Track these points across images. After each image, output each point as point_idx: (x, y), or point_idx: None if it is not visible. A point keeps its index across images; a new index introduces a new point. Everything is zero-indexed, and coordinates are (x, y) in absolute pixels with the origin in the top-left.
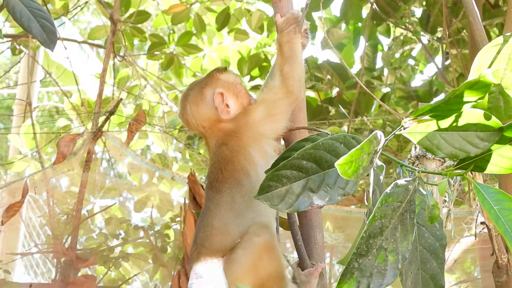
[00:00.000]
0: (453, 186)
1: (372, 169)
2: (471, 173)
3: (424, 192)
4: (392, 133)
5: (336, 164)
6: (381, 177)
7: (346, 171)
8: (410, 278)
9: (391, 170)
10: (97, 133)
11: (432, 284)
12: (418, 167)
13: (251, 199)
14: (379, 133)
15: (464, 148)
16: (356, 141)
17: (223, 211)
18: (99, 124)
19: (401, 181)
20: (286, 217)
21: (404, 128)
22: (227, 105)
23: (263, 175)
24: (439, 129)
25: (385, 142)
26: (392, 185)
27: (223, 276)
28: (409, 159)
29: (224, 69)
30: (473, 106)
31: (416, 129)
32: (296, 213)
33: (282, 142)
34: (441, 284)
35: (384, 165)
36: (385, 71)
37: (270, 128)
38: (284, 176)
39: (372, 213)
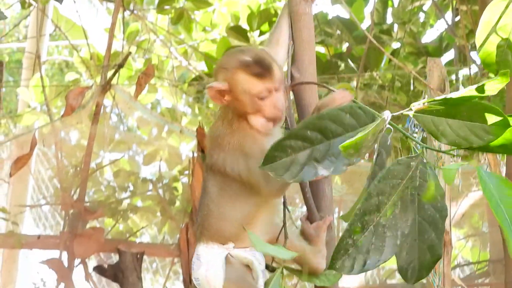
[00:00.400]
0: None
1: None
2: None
3: (427, 169)
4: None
5: (340, 147)
6: (388, 139)
7: (349, 153)
8: (406, 249)
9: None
10: (106, 86)
11: (429, 254)
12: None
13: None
14: (387, 114)
15: (469, 138)
16: (362, 111)
17: (219, 194)
18: (108, 78)
19: (403, 158)
20: None
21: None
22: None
23: None
24: (447, 116)
25: (390, 135)
26: (393, 162)
27: (222, 263)
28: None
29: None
30: (482, 62)
31: (424, 112)
32: None
33: (292, 97)
34: (439, 254)
35: (392, 128)
36: (395, 27)
37: None
38: (289, 146)
39: (368, 191)
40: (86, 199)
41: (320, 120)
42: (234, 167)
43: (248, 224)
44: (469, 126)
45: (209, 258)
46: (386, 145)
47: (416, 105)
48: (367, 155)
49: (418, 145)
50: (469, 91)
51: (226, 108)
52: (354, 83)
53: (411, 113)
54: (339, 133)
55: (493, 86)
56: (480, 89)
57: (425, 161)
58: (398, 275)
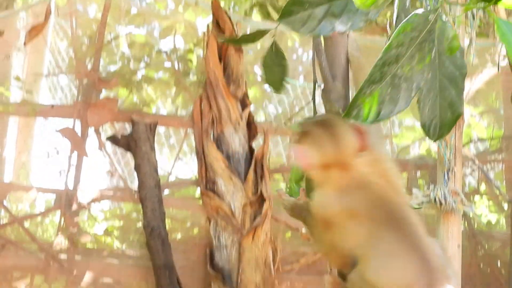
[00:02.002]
0: (476, 16)
1: None
2: (493, 7)
3: (446, 25)
4: None
5: None
6: (407, 2)
7: (364, 2)
8: (428, 106)
9: None
10: None
11: (449, 111)
12: None
13: None
14: None
15: None
16: None
17: None
18: None
19: (420, 10)
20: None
21: None
22: None
23: None
24: None
25: None
26: (411, 14)
27: None
28: None
29: None
30: None
31: None
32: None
33: None
34: (459, 111)
35: None
36: None
37: None
38: (306, 1)
39: (389, 41)
40: (101, 69)
41: None
42: None
43: None
44: None
45: None
46: (405, 9)
47: None
48: (383, 25)
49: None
50: None
51: None
52: None
53: None
54: None
55: None
56: None
57: (444, 17)
58: (411, 151)
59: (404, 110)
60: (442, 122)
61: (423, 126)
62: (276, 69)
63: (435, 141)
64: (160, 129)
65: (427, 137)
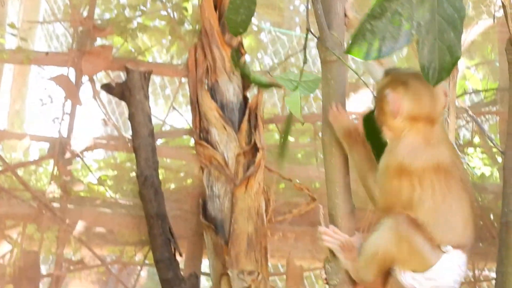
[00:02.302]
0: None
1: None
2: None
3: None
4: None
5: None
6: None
7: None
8: (427, 47)
9: None
10: None
11: (448, 54)
12: None
13: None
14: None
15: None
16: None
17: None
18: None
19: None
20: None
21: None
22: None
23: None
24: None
25: None
26: None
27: None
28: None
29: None
30: None
31: None
32: None
33: None
34: (458, 55)
35: None
36: None
37: None
38: None
39: None
40: (96, 17)
41: None
42: None
43: None
44: None
45: None
46: None
47: None
48: None
49: None
50: None
51: None
52: None
53: None
54: None
55: None
56: None
57: None
58: None
59: (404, 47)
60: (441, 65)
61: (422, 69)
62: (242, 11)
63: (434, 85)
64: (156, 80)
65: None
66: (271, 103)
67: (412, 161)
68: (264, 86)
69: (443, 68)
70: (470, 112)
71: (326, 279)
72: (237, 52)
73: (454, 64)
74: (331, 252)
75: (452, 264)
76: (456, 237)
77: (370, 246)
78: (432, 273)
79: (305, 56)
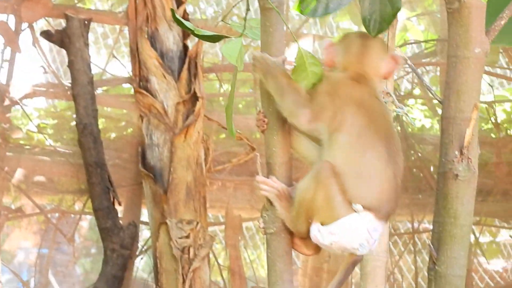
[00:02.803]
0: None
1: None
2: None
3: None
4: None
5: None
6: None
7: None
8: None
9: None
10: None
11: (389, 5)
12: None
13: None
14: None
15: None
16: None
17: None
18: None
19: None
20: None
21: None
22: None
23: None
24: None
25: None
26: None
27: None
28: None
29: None
30: None
31: None
32: None
33: None
34: (398, 6)
35: None
36: None
37: None
38: None
39: None
40: None
41: None
42: None
43: None
44: None
45: None
46: None
47: None
48: None
49: None
50: None
51: None
52: None
53: None
54: None
55: None
56: None
57: None
58: None
59: (349, 2)
60: (382, 17)
61: (364, 20)
62: None
63: (375, 36)
64: (98, 29)
65: (367, 32)
66: (212, 53)
67: (337, 93)
68: (209, 39)
69: (383, 19)
70: (409, 62)
71: (263, 228)
72: (179, 2)
73: (394, 15)
74: (269, 201)
75: (359, 225)
76: (369, 199)
77: (297, 194)
78: (335, 227)
79: (247, 3)
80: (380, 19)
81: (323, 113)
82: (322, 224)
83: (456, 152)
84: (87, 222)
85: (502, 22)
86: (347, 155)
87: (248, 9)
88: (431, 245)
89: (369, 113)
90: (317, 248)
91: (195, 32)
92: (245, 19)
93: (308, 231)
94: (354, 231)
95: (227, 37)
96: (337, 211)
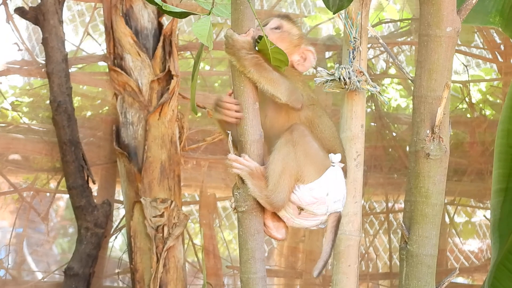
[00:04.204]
0: None
1: None
2: None
3: None
4: None
5: None
6: None
7: None
8: None
9: None
10: None
11: None
12: None
13: None
14: None
15: None
16: None
17: None
18: None
19: None
20: None
21: None
22: None
23: None
24: None
25: None
26: None
27: None
28: None
29: None
30: None
31: None
32: None
33: None
34: None
35: None
36: None
37: None
38: None
39: None
40: None
41: None
42: None
43: None
44: None
45: None
46: None
47: None
48: None
49: None
50: None
51: None
52: None
53: None
54: None
55: None
56: None
57: None
58: (322, 33)
59: None
60: None
61: None
62: None
63: (334, 13)
64: (74, 7)
65: (327, 9)
66: (187, 31)
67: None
68: (176, 15)
69: None
70: (381, 41)
71: (235, 207)
72: None
73: None
74: (240, 179)
75: (339, 175)
76: (341, 149)
77: (274, 165)
78: (316, 183)
79: None
80: None
81: (299, 93)
82: (302, 184)
83: (428, 131)
84: (64, 202)
85: (474, 1)
86: (310, 120)
87: None
88: (403, 224)
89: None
90: (287, 232)
91: (163, 7)
92: None
93: (284, 203)
94: (336, 182)
95: (194, 14)
96: (320, 166)
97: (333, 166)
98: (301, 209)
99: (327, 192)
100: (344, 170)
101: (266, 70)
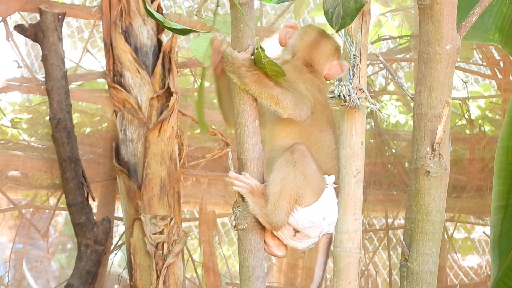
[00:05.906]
0: None
1: None
2: None
3: None
4: None
5: None
6: None
7: None
8: None
9: None
10: None
11: (353, 1)
12: None
13: None
14: None
15: None
16: None
17: None
18: None
19: None
20: None
21: None
22: None
23: None
24: None
25: None
26: None
27: None
28: None
29: None
30: None
31: None
32: None
33: None
34: (362, 1)
35: None
36: None
37: None
38: None
39: None
40: None
41: None
42: None
43: None
44: None
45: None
46: None
47: None
48: None
49: None
50: None
51: None
52: None
53: None
54: None
55: None
56: None
57: None
58: None
59: None
60: (345, 11)
61: (326, 13)
62: None
63: (337, 31)
64: (73, 23)
65: (330, 27)
66: (186, 47)
67: (304, 77)
68: (177, 32)
69: (347, 13)
70: (381, 58)
71: (235, 224)
72: None
73: (358, 10)
74: (240, 196)
75: (330, 200)
76: (336, 168)
77: (273, 186)
78: (313, 207)
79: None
80: (343, 14)
81: (309, 101)
82: (299, 206)
83: (428, 149)
84: (63, 218)
85: (473, 19)
86: (310, 134)
87: (217, 5)
88: (403, 242)
89: (324, 97)
90: (287, 249)
91: (165, 24)
92: (215, 13)
93: (283, 223)
94: (331, 205)
95: (195, 31)
96: (317, 188)
97: (327, 188)
98: (296, 231)
99: (323, 217)
100: (337, 191)
101: (267, 86)
